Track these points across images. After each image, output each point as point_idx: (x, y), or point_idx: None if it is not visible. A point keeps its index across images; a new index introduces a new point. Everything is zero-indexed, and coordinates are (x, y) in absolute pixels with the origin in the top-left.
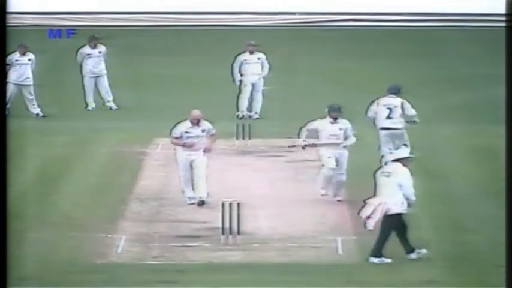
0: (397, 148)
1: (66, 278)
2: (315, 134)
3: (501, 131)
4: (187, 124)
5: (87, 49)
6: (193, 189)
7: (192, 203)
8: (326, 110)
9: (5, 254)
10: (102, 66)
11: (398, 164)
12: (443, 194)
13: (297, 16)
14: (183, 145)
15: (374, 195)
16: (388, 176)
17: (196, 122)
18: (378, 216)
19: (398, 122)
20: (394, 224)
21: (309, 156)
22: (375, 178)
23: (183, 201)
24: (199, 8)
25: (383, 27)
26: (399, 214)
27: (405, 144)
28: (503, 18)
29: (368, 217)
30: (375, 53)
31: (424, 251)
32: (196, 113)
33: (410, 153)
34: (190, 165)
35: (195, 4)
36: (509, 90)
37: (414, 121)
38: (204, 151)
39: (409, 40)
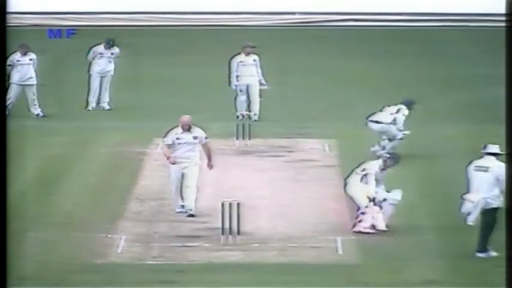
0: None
1: (66, 278)
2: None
3: (501, 131)
4: (177, 130)
5: (101, 48)
6: (182, 199)
7: (180, 212)
8: (387, 155)
9: (5, 254)
10: (111, 67)
11: (493, 158)
12: (443, 194)
13: (297, 16)
14: (168, 159)
15: (467, 190)
16: (485, 170)
17: (187, 128)
18: (477, 212)
19: (374, 124)
20: (493, 217)
21: (308, 157)
22: (467, 173)
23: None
24: (199, 8)
25: (383, 27)
26: (497, 208)
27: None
28: (503, 18)
29: (468, 213)
30: (375, 53)
31: (495, 253)
32: (186, 118)
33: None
34: (182, 175)
35: (195, 4)
36: (509, 90)
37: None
38: (210, 167)
39: (409, 40)
